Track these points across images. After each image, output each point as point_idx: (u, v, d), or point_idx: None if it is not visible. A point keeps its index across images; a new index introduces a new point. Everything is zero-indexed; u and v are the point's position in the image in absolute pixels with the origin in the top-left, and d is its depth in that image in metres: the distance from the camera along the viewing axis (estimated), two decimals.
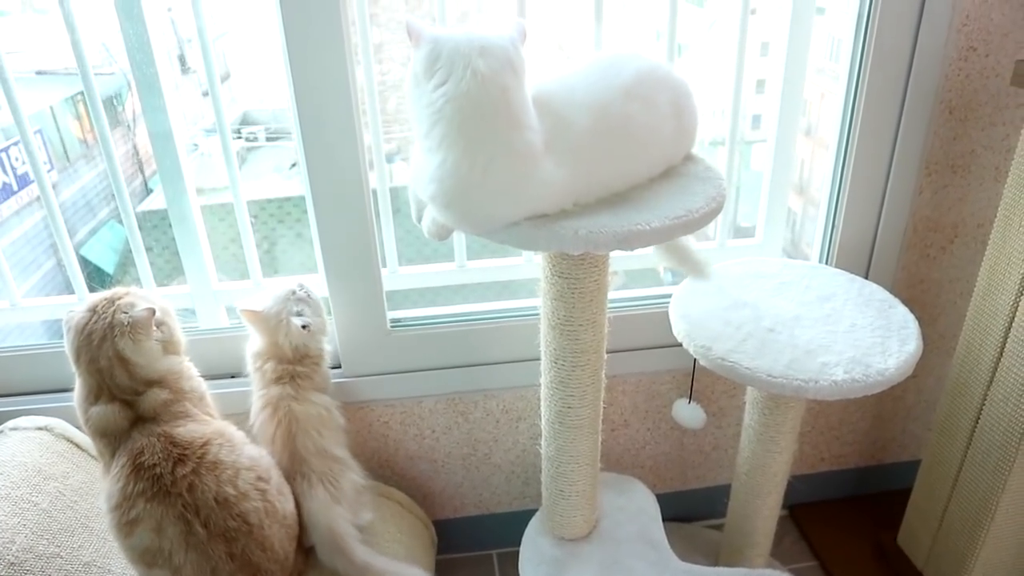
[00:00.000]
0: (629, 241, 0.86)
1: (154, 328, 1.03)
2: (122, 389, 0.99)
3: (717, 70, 1.36)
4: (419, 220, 0.97)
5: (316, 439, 1.16)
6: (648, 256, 1.49)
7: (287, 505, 1.09)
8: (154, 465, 0.95)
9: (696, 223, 0.90)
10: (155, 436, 0.97)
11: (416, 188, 0.91)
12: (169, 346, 1.05)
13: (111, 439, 0.98)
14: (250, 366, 1.22)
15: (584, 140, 0.88)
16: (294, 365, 1.19)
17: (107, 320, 0.99)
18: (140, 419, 0.98)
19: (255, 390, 1.21)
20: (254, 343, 1.22)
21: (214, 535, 0.97)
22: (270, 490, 1.05)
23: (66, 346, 1.01)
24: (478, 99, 0.83)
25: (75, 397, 1.01)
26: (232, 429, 1.05)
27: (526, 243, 0.87)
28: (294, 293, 1.21)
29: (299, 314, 1.19)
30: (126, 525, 0.95)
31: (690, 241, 1.19)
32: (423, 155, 0.87)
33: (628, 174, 0.94)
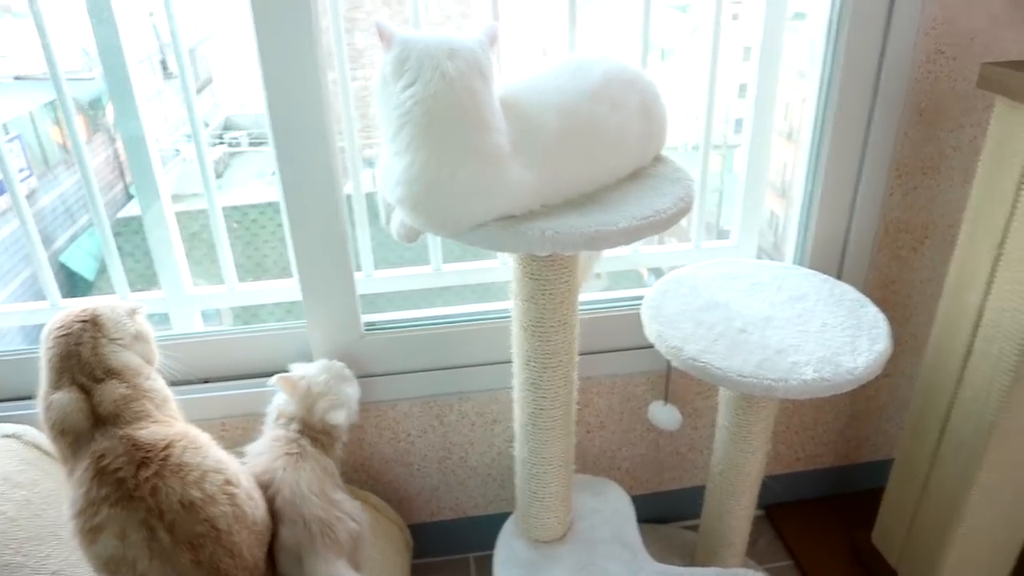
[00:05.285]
0: (596, 242, 0.86)
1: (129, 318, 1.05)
2: (83, 367, 0.98)
3: (701, 74, 1.37)
4: (388, 223, 0.97)
5: (320, 482, 1.12)
6: (631, 258, 1.50)
7: (257, 511, 1.07)
8: (117, 469, 0.93)
9: (664, 223, 0.90)
10: (117, 439, 0.95)
11: (384, 191, 0.91)
12: (137, 344, 1.05)
13: (71, 439, 0.96)
14: (272, 416, 1.19)
15: (552, 141, 0.89)
16: (319, 433, 1.17)
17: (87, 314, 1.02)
18: (100, 420, 0.97)
19: (268, 430, 1.18)
20: (286, 403, 1.20)
21: (179, 541, 0.94)
22: (239, 494, 1.03)
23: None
24: (446, 101, 0.83)
25: (38, 398, 1.01)
26: (197, 431, 1.04)
27: (494, 244, 0.87)
28: (339, 372, 1.22)
29: (338, 404, 1.17)
30: (89, 532, 0.93)
31: (598, 257, 1.20)
32: (391, 158, 0.87)
33: (596, 175, 0.94)
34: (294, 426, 1.15)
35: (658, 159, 1.05)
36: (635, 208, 0.90)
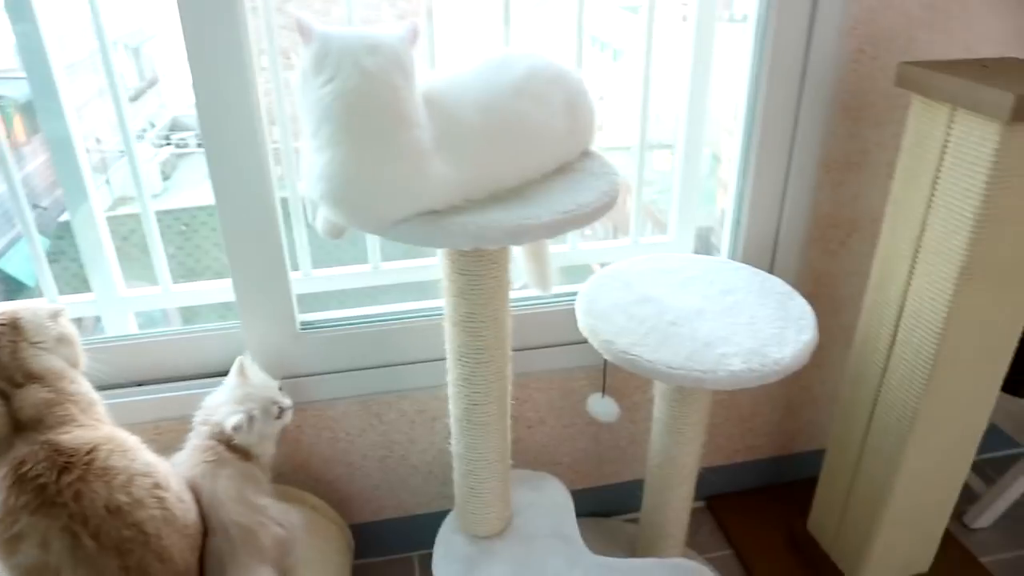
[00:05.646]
0: (519, 235, 0.87)
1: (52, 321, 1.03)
2: (1, 372, 0.96)
3: (653, 75, 1.39)
4: (315, 219, 0.96)
5: (239, 487, 1.10)
6: (568, 254, 1.52)
7: (189, 514, 1.05)
8: (38, 475, 0.91)
9: (586, 217, 0.91)
10: (38, 444, 0.93)
11: (306, 187, 0.90)
12: (60, 347, 1.03)
13: None
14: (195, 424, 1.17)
15: (474, 137, 0.89)
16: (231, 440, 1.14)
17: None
18: (20, 426, 0.95)
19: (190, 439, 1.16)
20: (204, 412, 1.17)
21: (105, 547, 0.92)
22: (168, 498, 1.01)
23: None
24: (366, 97, 0.83)
25: None
26: (125, 434, 1.02)
27: (417, 239, 0.88)
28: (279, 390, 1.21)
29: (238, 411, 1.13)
30: (9, 542, 0.90)
31: (549, 257, 1.21)
32: (312, 154, 0.86)
33: (519, 170, 0.95)
34: (206, 431, 1.13)
35: (586, 154, 1.06)
36: (558, 202, 0.91)
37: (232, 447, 1.12)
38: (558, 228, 0.89)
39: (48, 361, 1.01)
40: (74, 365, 1.07)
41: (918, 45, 1.31)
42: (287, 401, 1.21)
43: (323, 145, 0.84)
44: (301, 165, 0.92)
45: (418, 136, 0.85)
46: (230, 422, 1.11)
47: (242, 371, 1.19)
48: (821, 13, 1.26)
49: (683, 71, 1.42)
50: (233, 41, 1.09)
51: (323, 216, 0.93)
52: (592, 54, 1.27)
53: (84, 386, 1.05)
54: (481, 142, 0.90)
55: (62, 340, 1.06)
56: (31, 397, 0.97)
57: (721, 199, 1.59)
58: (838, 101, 1.34)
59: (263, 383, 1.21)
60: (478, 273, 1.01)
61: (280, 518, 1.11)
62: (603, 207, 0.94)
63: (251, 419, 1.13)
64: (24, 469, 0.91)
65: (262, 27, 1.20)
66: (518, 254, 1.20)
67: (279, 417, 1.19)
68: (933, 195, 1.13)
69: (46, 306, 1.06)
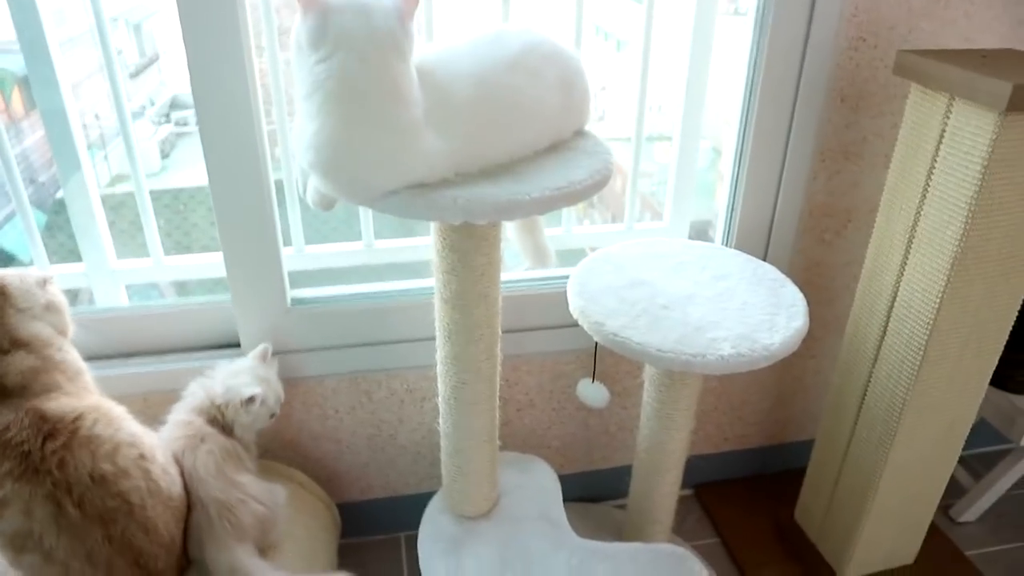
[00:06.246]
0: (509, 211, 0.87)
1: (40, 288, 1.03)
2: None
3: (656, 66, 1.38)
4: (305, 191, 0.96)
5: (219, 464, 1.09)
6: (562, 237, 1.51)
7: (174, 486, 1.04)
8: (22, 442, 0.91)
9: (577, 195, 0.91)
10: (23, 411, 0.92)
11: (296, 153, 0.90)
12: (48, 314, 1.03)
13: None
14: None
15: (465, 110, 0.88)
16: (216, 414, 1.14)
17: None
18: (6, 392, 0.94)
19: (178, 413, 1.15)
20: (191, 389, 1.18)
21: (89, 516, 0.92)
22: (154, 469, 1.01)
23: None
24: (361, 80, 0.82)
25: None
26: (111, 404, 1.02)
27: (406, 212, 0.87)
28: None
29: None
30: None
31: (542, 231, 1.20)
32: (303, 120, 0.85)
33: (511, 145, 0.94)
34: (191, 404, 1.13)
35: (580, 133, 1.05)
36: (549, 179, 0.90)
37: (214, 421, 1.12)
38: (548, 204, 0.88)
39: (35, 328, 1.01)
40: (62, 333, 1.07)
41: (918, 35, 1.31)
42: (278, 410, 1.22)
43: (314, 113, 0.83)
44: (292, 130, 0.91)
45: (412, 113, 0.84)
46: (248, 391, 1.12)
47: (264, 356, 1.22)
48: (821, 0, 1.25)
49: (683, 62, 1.41)
50: (230, 19, 1.08)
51: (313, 187, 0.92)
52: (595, 44, 1.26)
53: (71, 355, 1.04)
54: (473, 115, 0.89)
55: (50, 308, 1.06)
56: (17, 364, 0.96)
57: (721, 193, 1.58)
58: (836, 90, 1.34)
59: (276, 378, 1.22)
60: (469, 250, 1.01)
61: (261, 496, 1.11)
62: (595, 185, 0.93)
63: (263, 401, 1.14)
64: (8, 435, 0.91)
65: (260, 5, 1.19)
66: (512, 233, 1.19)
67: (271, 416, 1.20)
68: (929, 184, 1.12)
69: (35, 273, 1.06)
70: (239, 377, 1.16)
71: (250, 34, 1.12)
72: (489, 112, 0.90)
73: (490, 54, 0.92)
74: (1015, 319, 1.20)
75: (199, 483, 1.06)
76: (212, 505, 1.04)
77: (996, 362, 1.25)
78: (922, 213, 1.15)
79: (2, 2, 1.18)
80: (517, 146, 0.95)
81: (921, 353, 1.18)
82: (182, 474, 1.07)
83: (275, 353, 1.31)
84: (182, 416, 1.12)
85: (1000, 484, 1.64)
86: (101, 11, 1.25)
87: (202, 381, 1.17)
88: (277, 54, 1.24)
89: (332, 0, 0.82)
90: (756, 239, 1.44)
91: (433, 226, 1.03)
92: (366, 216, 1.40)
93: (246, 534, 1.06)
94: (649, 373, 1.27)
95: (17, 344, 0.98)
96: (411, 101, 0.85)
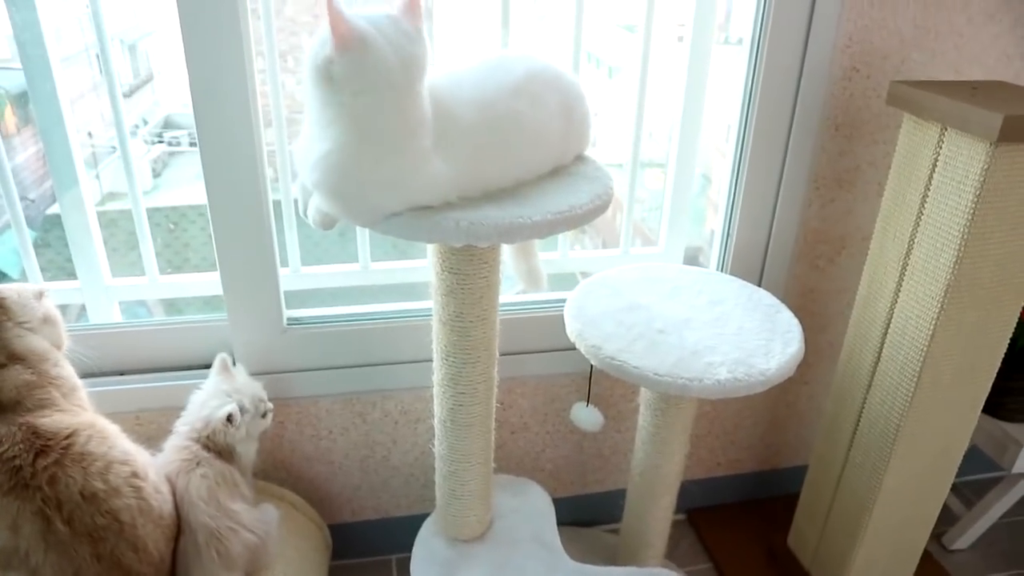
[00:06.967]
0: (510, 234, 0.87)
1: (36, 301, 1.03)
2: None
3: (649, 93, 1.40)
4: (305, 211, 0.96)
5: (212, 489, 1.07)
6: (558, 261, 1.52)
7: (165, 505, 1.03)
8: (13, 457, 0.90)
9: (578, 219, 0.91)
10: (16, 426, 0.92)
11: (300, 170, 0.90)
12: (45, 328, 1.02)
13: None
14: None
15: (470, 135, 0.89)
16: (212, 440, 1.12)
17: None
18: (0, 408, 0.93)
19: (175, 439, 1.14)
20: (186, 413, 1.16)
21: (79, 533, 0.91)
22: (145, 487, 1.00)
23: None
24: (391, 113, 0.83)
25: None
26: (105, 422, 1.01)
27: (409, 234, 0.87)
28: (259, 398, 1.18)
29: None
30: None
31: (536, 255, 1.21)
32: (311, 139, 0.86)
33: (514, 170, 0.95)
34: (185, 432, 1.12)
35: (580, 158, 1.07)
36: (551, 203, 0.91)
37: (210, 447, 1.11)
38: (550, 228, 0.89)
39: (32, 342, 1.00)
40: (57, 346, 1.06)
41: (910, 65, 1.33)
42: (270, 404, 1.20)
43: (324, 135, 0.83)
44: (297, 145, 0.91)
45: (423, 143, 0.85)
46: (223, 411, 1.10)
47: (225, 367, 1.18)
48: (816, 30, 1.28)
49: (677, 90, 1.43)
50: (233, 39, 1.09)
51: (315, 206, 0.92)
52: (588, 70, 1.28)
53: (67, 370, 1.04)
54: (477, 140, 0.90)
55: (47, 320, 1.05)
56: (12, 378, 0.96)
57: (711, 219, 1.60)
58: (830, 119, 1.36)
59: (247, 380, 1.20)
60: (468, 272, 1.01)
61: (253, 525, 1.09)
62: (596, 210, 0.94)
63: (242, 410, 1.13)
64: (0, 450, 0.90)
65: (262, 29, 1.20)
66: (506, 256, 1.20)
67: (264, 416, 1.18)
68: (922, 212, 1.14)
69: (31, 287, 1.05)
70: (210, 403, 1.13)
71: (252, 54, 1.13)
72: (493, 137, 0.91)
73: (493, 80, 0.93)
74: (1007, 346, 1.22)
75: (190, 507, 1.04)
76: (201, 532, 1.03)
77: (989, 389, 1.25)
78: (915, 241, 1.16)
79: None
80: (520, 170, 0.96)
81: (915, 379, 1.19)
82: (174, 495, 1.06)
83: (269, 372, 1.31)
84: (180, 442, 1.11)
85: (992, 512, 1.64)
86: (104, 30, 1.25)
87: (186, 417, 1.15)
88: (278, 76, 1.24)
89: (368, 34, 0.80)
90: (751, 265, 1.46)
91: (432, 248, 1.03)
92: (363, 237, 1.40)
93: (234, 564, 1.05)
94: (645, 397, 1.27)
95: (14, 358, 0.97)
96: (427, 130, 0.85)
